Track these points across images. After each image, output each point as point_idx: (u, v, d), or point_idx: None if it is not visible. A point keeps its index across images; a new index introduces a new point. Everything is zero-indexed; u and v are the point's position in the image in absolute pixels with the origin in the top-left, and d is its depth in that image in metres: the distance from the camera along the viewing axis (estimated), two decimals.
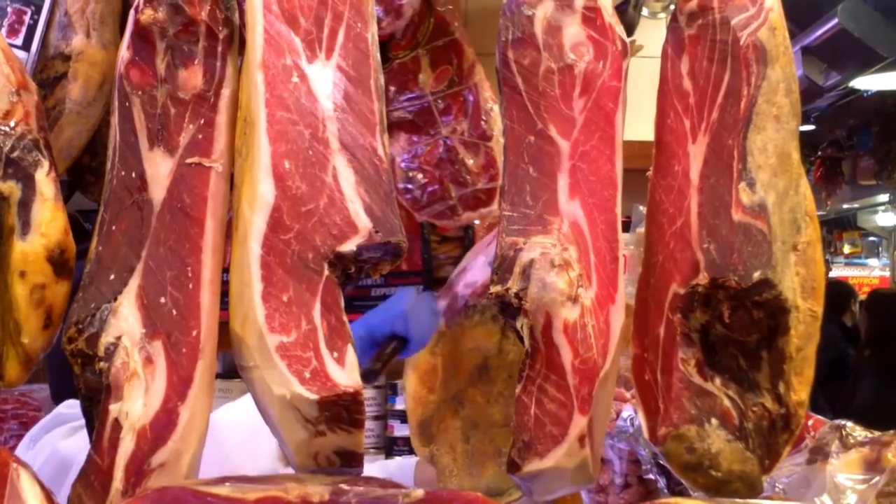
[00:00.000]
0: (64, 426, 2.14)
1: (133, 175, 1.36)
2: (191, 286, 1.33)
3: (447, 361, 1.93)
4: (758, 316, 1.32)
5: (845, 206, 11.27)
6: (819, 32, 4.77)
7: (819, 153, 9.58)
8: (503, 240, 1.34)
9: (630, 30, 2.64)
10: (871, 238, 14.11)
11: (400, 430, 3.67)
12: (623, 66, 1.42)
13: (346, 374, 1.26)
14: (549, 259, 1.31)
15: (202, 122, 1.38)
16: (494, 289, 1.31)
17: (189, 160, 1.37)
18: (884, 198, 10.20)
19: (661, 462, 1.85)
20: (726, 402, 1.32)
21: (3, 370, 1.35)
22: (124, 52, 1.40)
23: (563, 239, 1.34)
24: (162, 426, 1.28)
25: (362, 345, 2.05)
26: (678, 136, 1.41)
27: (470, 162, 2.23)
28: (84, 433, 2.07)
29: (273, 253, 1.29)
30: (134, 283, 1.33)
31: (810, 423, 1.75)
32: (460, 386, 1.96)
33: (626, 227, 2.44)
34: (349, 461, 1.28)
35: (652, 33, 2.67)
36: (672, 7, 1.49)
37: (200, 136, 1.38)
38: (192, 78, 1.39)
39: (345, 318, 1.30)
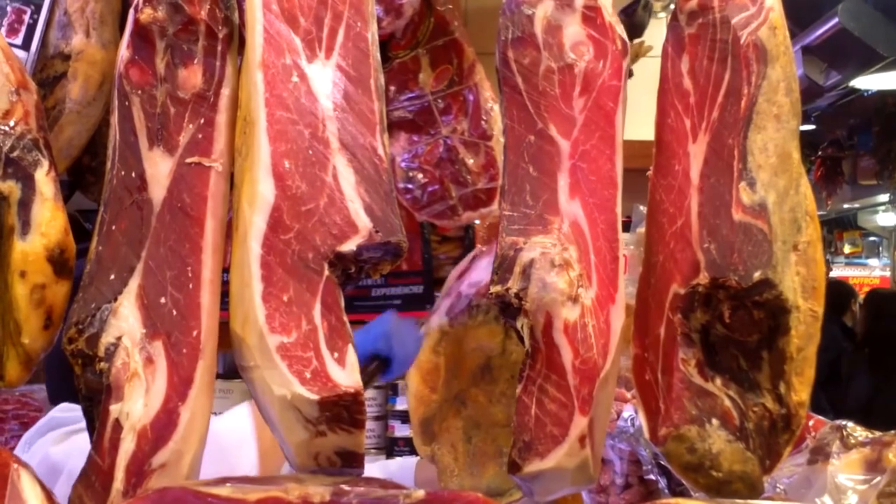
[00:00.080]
0: (56, 431, 2.14)
1: (133, 175, 1.36)
2: (191, 286, 1.33)
3: (450, 361, 1.93)
4: (758, 316, 1.32)
5: (846, 205, 11.27)
6: (819, 32, 4.77)
7: (819, 153, 9.57)
8: (503, 239, 1.33)
9: (640, 31, 2.64)
10: (872, 238, 14.11)
11: (401, 430, 3.67)
12: (623, 66, 1.42)
13: (346, 375, 1.26)
14: (549, 259, 1.31)
15: (202, 121, 1.38)
16: (495, 289, 1.31)
17: (189, 160, 1.37)
18: (884, 197, 10.20)
19: (662, 462, 1.85)
20: (727, 403, 1.32)
21: (4, 370, 1.35)
22: (124, 52, 1.39)
23: (564, 239, 1.33)
24: (162, 426, 1.28)
25: None
26: (678, 136, 1.41)
27: (470, 161, 2.23)
28: (74, 439, 2.08)
29: (273, 253, 1.28)
30: (134, 283, 1.33)
31: (811, 423, 1.75)
32: (463, 385, 1.96)
33: (627, 226, 2.43)
34: (350, 461, 1.28)
35: (652, 32, 2.66)
36: (672, 6, 1.49)
37: (200, 136, 1.38)
38: (192, 77, 1.39)
39: (345, 318, 1.30)
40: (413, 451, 2.14)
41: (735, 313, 1.33)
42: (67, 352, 1.30)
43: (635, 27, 2.65)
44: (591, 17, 1.41)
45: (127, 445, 1.27)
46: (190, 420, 1.30)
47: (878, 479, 1.60)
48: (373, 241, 1.30)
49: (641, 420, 1.38)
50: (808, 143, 8.95)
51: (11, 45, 1.56)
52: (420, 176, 2.26)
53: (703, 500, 1.32)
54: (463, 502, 1.18)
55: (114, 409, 1.27)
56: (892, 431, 1.71)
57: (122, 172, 1.36)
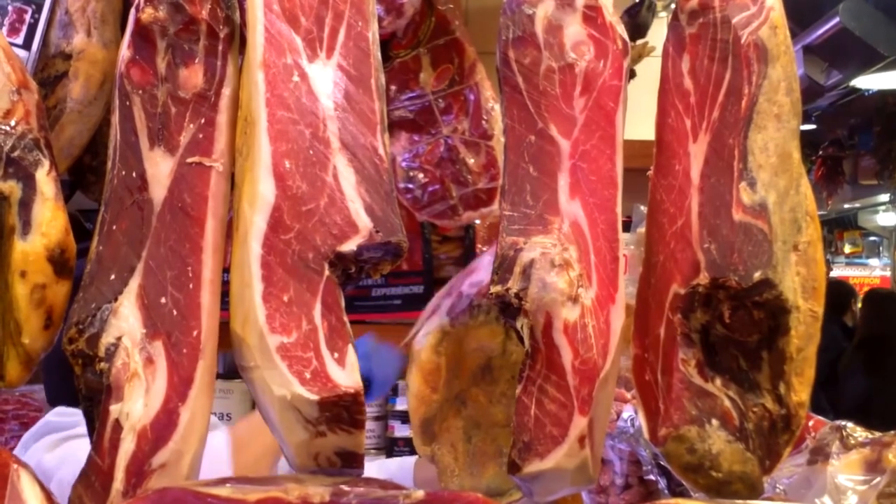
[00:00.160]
0: (49, 437, 2.14)
1: (134, 174, 1.36)
2: (191, 286, 1.33)
3: (451, 361, 1.92)
4: (758, 316, 1.32)
5: (846, 205, 11.27)
6: (820, 31, 4.77)
7: (820, 152, 9.57)
8: (503, 239, 1.33)
9: (643, 31, 2.64)
10: (872, 238, 14.11)
11: (401, 430, 3.67)
12: (624, 65, 1.42)
13: (346, 375, 1.26)
14: (549, 259, 1.31)
15: (203, 121, 1.38)
16: (495, 289, 1.31)
17: (190, 160, 1.37)
18: (885, 197, 10.20)
19: (662, 463, 1.85)
20: (727, 403, 1.32)
21: (4, 370, 1.35)
22: (125, 51, 1.39)
23: (564, 239, 1.33)
24: (162, 427, 1.28)
25: None
26: (679, 136, 1.41)
27: (471, 161, 2.23)
28: (66, 446, 2.08)
29: (273, 253, 1.28)
30: (134, 283, 1.33)
31: (811, 423, 1.75)
32: (463, 385, 1.96)
33: (627, 226, 2.43)
34: (350, 462, 1.28)
35: (653, 32, 2.67)
36: (673, 6, 1.49)
37: (201, 136, 1.38)
38: (193, 77, 1.39)
39: (345, 318, 1.30)
40: (413, 452, 2.14)
41: (735, 313, 1.33)
42: (68, 352, 1.30)
43: (639, 28, 2.65)
44: (592, 16, 1.41)
45: (127, 445, 1.27)
46: (190, 420, 1.30)
47: (878, 479, 1.60)
48: (373, 241, 1.30)
49: (641, 420, 1.38)
50: (808, 143, 8.95)
51: (12, 44, 1.56)
52: (421, 176, 2.26)
53: (703, 500, 1.32)
54: (463, 502, 1.18)
55: (114, 409, 1.27)
56: (892, 432, 1.71)
57: (123, 172, 1.36)
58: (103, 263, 1.34)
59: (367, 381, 2.09)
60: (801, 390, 1.33)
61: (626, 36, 1.43)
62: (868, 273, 13.62)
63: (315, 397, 1.24)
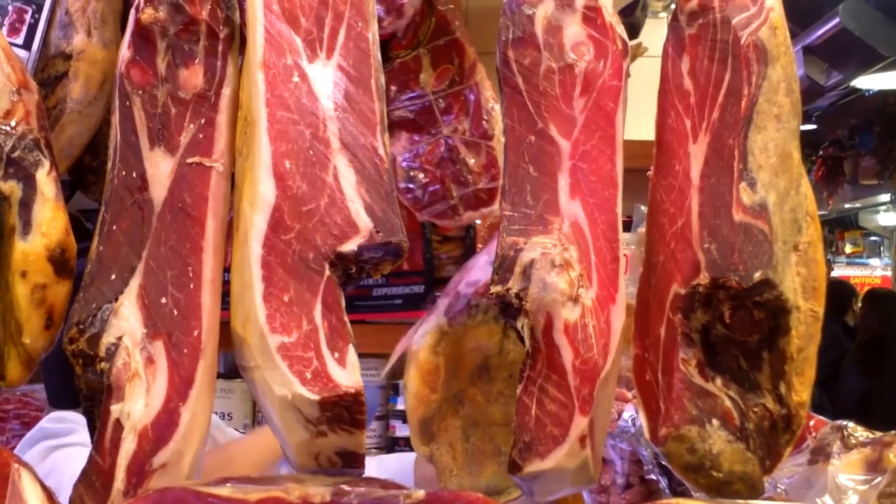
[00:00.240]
0: (41, 445, 2.14)
1: (134, 175, 1.36)
2: (192, 286, 1.33)
3: (449, 361, 1.92)
4: (759, 316, 1.32)
5: (847, 205, 11.28)
6: (820, 32, 4.78)
7: (820, 153, 9.58)
8: (504, 240, 1.33)
9: (636, 32, 2.64)
10: (873, 238, 14.12)
11: (401, 430, 3.66)
12: (624, 66, 1.42)
13: (347, 375, 1.26)
14: (549, 259, 1.31)
15: (203, 121, 1.38)
16: (495, 289, 1.31)
17: (190, 160, 1.37)
18: (885, 197, 10.21)
19: (663, 462, 1.85)
20: (727, 403, 1.32)
21: (5, 370, 1.35)
22: (125, 52, 1.40)
23: (564, 239, 1.33)
24: (163, 426, 1.28)
25: None
26: (679, 136, 1.41)
27: (471, 161, 2.23)
28: (55, 456, 2.08)
29: (274, 253, 1.29)
30: (135, 283, 1.33)
31: (812, 423, 1.75)
32: (461, 385, 1.96)
33: (627, 226, 2.43)
34: (350, 462, 1.28)
35: (653, 33, 2.67)
36: (673, 6, 1.49)
37: (201, 136, 1.38)
38: (193, 77, 1.39)
39: (346, 318, 1.30)
40: (413, 451, 2.14)
41: (735, 313, 1.33)
42: (68, 352, 1.30)
43: (632, 28, 2.66)
44: (592, 17, 1.41)
45: (128, 445, 1.27)
46: (191, 420, 1.30)
47: (879, 479, 1.60)
48: (373, 241, 1.30)
49: (642, 420, 1.38)
50: (808, 143, 8.96)
51: (13, 44, 1.56)
52: (421, 176, 2.26)
53: (704, 500, 1.32)
54: (463, 502, 1.19)
55: (115, 409, 1.27)
56: (893, 431, 1.70)
57: (123, 172, 1.36)
58: (104, 263, 1.34)
59: None
60: (801, 390, 1.33)
61: (625, 36, 1.44)
62: (869, 273, 13.63)
63: (316, 397, 1.24)
